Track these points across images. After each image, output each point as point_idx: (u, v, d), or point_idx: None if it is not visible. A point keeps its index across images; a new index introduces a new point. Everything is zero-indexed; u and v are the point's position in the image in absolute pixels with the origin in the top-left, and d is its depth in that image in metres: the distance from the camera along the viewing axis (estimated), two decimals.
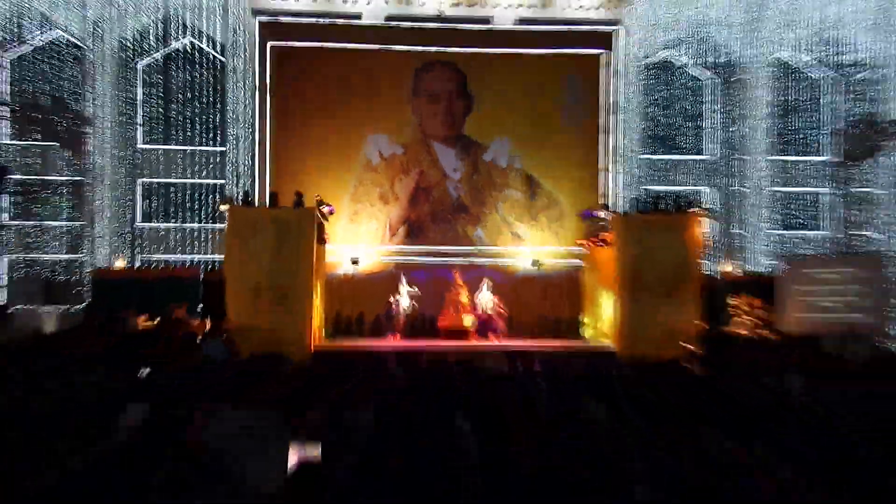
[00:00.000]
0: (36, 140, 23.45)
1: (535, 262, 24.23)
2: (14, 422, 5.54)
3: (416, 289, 22.56)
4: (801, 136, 26.89)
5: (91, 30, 24.54)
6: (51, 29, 24.78)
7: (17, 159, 23.84)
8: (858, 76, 26.51)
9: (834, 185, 24.37)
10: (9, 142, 24.69)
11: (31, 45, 24.73)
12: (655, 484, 4.14)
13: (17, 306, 22.85)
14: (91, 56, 24.58)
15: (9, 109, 19.92)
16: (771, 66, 25.89)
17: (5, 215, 24.24)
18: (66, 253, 24.07)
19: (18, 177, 22.80)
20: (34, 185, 23.80)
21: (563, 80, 26.02)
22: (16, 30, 24.46)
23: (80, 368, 9.44)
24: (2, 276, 24.79)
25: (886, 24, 25.54)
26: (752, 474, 4.22)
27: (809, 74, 26.80)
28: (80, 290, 22.74)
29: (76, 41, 24.89)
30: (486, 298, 22.28)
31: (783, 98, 26.73)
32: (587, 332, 23.66)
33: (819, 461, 4.84)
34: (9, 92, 24.11)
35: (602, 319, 22.55)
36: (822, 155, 26.56)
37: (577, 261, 24.86)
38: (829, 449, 5.13)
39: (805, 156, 26.82)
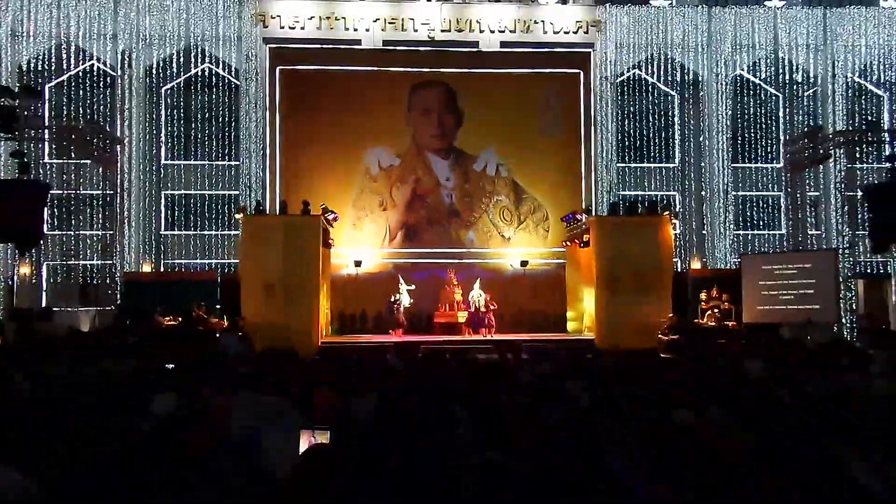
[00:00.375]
0: (72, 158, 23.58)
1: (523, 263, 24.29)
2: (57, 406, 5.57)
3: (413, 286, 22.65)
4: (758, 145, 27.09)
5: (120, 59, 24.64)
6: (86, 60, 24.92)
7: (56, 176, 24.02)
8: (805, 93, 26.80)
9: (787, 189, 24.53)
10: (48, 160, 24.90)
11: (69, 73, 24.91)
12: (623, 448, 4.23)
13: (56, 308, 22.94)
14: (121, 82, 24.68)
15: (48, 132, 20.09)
16: (730, 84, 26.04)
17: (46, 227, 24.39)
18: (99, 259, 24.13)
19: (57, 192, 22.90)
20: (71, 198, 23.96)
21: (544, 96, 26.12)
22: (55, 61, 24.67)
23: (113, 360, 9.51)
24: (43, 280, 24.91)
25: (825, 48, 25.90)
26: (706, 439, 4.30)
27: (764, 90, 26.98)
28: (111, 292, 22.80)
29: (108, 70, 25.01)
30: (478, 296, 22.34)
31: (741, 111, 26.91)
32: (571, 326, 23.74)
33: (763, 426, 4.97)
34: (48, 115, 24.24)
35: (584, 314, 22.66)
36: (776, 162, 26.73)
37: (561, 260, 24.94)
38: (774, 417, 5.23)
39: (761, 163, 27.04)
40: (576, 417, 5.67)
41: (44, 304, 23.68)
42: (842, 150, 23.44)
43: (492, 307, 22.07)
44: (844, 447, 4.64)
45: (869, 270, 26.39)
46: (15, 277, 23.99)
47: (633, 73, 26.45)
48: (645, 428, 4.53)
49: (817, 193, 25.84)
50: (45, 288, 24.99)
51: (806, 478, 3.63)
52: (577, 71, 26.25)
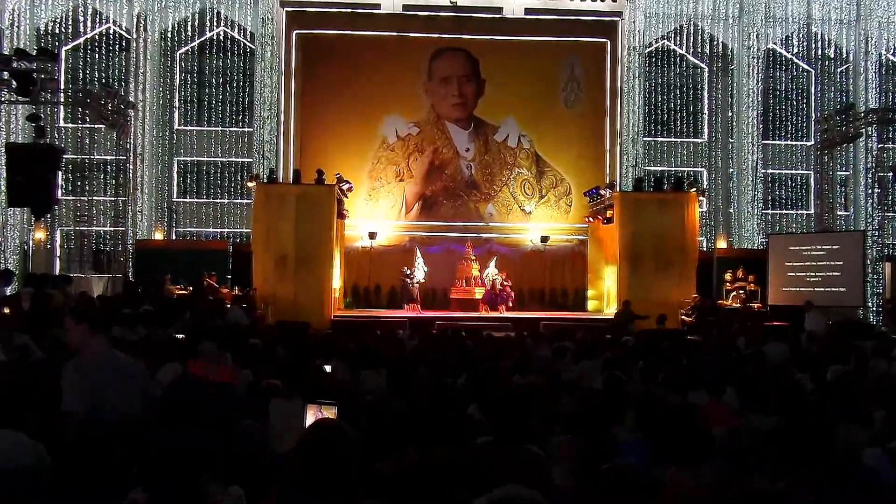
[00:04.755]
0: (86, 123, 23.79)
1: (544, 239, 24.28)
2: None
3: (423, 260, 22.63)
4: (788, 122, 26.85)
5: (136, 22, 24.74)
6: (102, 23, 25.09)
7: (70, 141, 24.23)
8: (838, 69, 26.52)
9: (816, 168, 24.34)
10: (63, 125, 25.11)
11: (85, 37, 25.12)
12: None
13: (70, 274, 23.24)
14: (136, 46, 24.81)
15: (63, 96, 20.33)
16: (761, 57, 25.78)
17: (60, 191, 24.65)
18: (111, 226, 24.36)
19: (70, 156, 23.13)
20: (84, 163, 24.21)
21: (569, 66, 25.96)
22: (71, 24, 24.87)
23: (123, 328, 9.67)
24: (56, 246, 25.24)
25: (858, 23, 25.63)
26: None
27: (796, 65, 26.73)
28: (123, 260, 23.06)
29: (123, 33, 25.14)
30: (493, 274, 22.35)
31: (772, 86, 26.67)
32: (592, 305, 23.77)
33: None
34: (63, 79, 24.44)
35: (605, 292, 22.67)
36: (807, 140, 26.50)
37: (583, 236, 24.92)
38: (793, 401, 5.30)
39: (791, 140, 26.82)
40: (589, 399, 5.76)
41: (57, 271, 23.97)
42: (873, 130, 23.19)
43: (507, 284, 22.06)
44: (859, 432, 4.70)
45: None
46: (30, 242, 24.32)
47: (662, 44, 26.23)
48: (657, 410, 4.60)
49: (847, 173, 25.63)
50: (58, 254, 25.28)
51: (818, 462, 3.69)
52: (604, 40, 26.05)
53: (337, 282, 21.11)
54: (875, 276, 22.72)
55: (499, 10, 25.70)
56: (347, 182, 21.19)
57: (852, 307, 20.73)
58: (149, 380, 5.11)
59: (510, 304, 21.91)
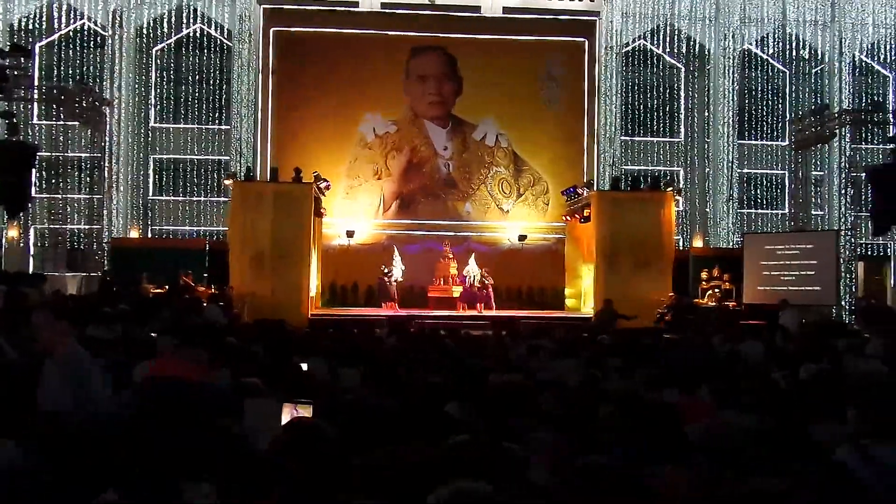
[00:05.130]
0: (60, 120, 23.55)
1: (522, 237, 24.32)
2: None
3: (401, 258, 22.61)
4: (763, 122, 27.09)
5: (111, 18, 24.52)
6: (77, 19, 24.85)
7: (44, 138, 23.98)
8: (812, 70, 26.82)
9: (791, 167, 24.58)
10: (37, 122, 24.79)
11: (60, 33, 24.89)
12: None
13: (44, 272, 23.03)
14: (111, 42, 24.59)
15: (37, 92, 20.12)
16: (737, 58, 25.97)
17: (34, 189, 24.40)
18: (86, 224, 24.15)
19: (44, 154, 22.90)
20: (59, 161, 23.97)
21: (547, 65, 26.03)
22: (45, 20, 24.61)
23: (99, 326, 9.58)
24: (30, 244, 25.01)
25: (833, 24, 25.95)
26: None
27: (772, 66, 26.99)
28: (98, 258, 22.86)
29: (99, 29, 24.91)
30: (475, 271, 22.37)
31: (748, 87, 26.89)
32: (570, 303, 23.85)
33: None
34: (38, 76, 24.17)
35: (583, 290, 22.76)
36: (782, 140, 26.75)
37: (561, 235, 25.00)
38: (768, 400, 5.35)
39: (767, 140, 27.07)
40: (565, 398, 5.77)
41: (31, 269, 23.73)
42: (846, 130, 23.45)
43: (488, 282, 22.08)
44: (832, 430, 4.75)
45: (869, 253, 26.56)
46: (3, 240, 24.04)
47: (639, 44, 26.36)
48: (632, 407, 4.62)
49: (821, 173, 25.91)
50: (32, 252, 25.03)
51: (794, 462, 3.72)
52: (582, 39, 26.14)
53: (315, 280, 21.05)
54: (848, 275, 22.96)
55: (477, 8, 25.72)
56: (325, 180, 21.12)
57: (826, 306, 20.96)
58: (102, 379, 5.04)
59: (489, 304, 21.91)
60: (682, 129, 27.10)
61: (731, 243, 24.76)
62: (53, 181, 24.54)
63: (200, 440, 3.64)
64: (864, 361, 8.57)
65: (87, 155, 24.09)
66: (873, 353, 9.41)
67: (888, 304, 24.88)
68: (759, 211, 27.02)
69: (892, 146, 18.24)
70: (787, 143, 25.80)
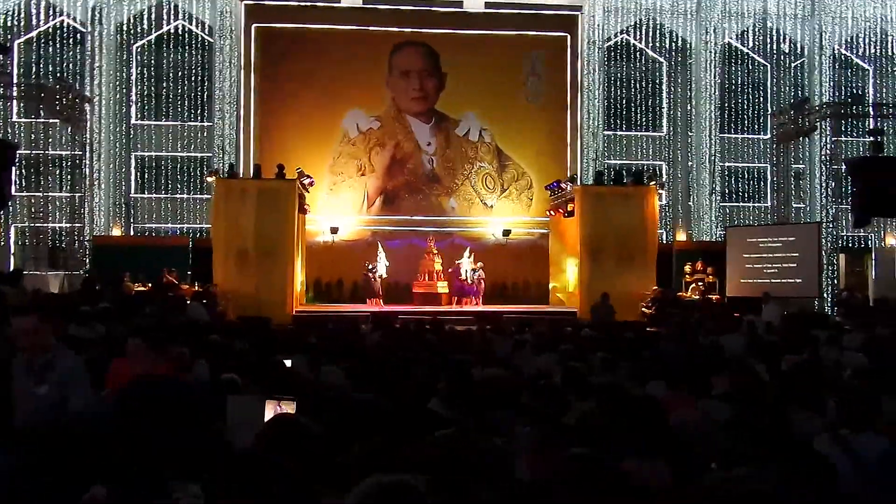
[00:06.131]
0: (40, 118, 23.36)
1: (506, 232, 24.36)
2: None
3: (385, 254, 22.60)
4: (745, 115, 27.33)
5: (91, 15, 24.32)
6: (56, 15, 24.66)
7: (24, 136, 23.76)
8: (793, 64, 27.04)
9: (773, 161, 24.70)
10: (16, 119, 24.58)
11: (38, 30, 24.68)
12: None
13: (25, 271, 22.84)
14: (91, 39, 24.40)
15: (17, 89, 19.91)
16: (718, 52, 26.10)
17: (14, 187, 24.19)
18: (67, 222, 23.98)
19: (24, 151, 22.72)
20: (39, 159, 23.76)
21: (530, 60, 26.04)
22: (24, 17, 24.39)
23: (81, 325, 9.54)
24: (10, 243, 24.84)
25: (812, 18, 26.11)
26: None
27: (753, 59, 27.18)
28: (80, 256, 22.71)
29: (78, 26, 24.71)
30: (468, 265, 22.39)
31: (729, 81, 27.08)
32: (554, 298, 23.91)
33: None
34: (17, 73, 23.96)
35: (567, 285, 22.83)
36: (763, 133, 26.90)
37: (545, 230, 25.04)
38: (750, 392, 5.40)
39: (749, 133, 27.25)
40: (547, 392, 5.80)
41: (12, 268, 23.53)
42: (827, 123, 23.62)
43: (482, 277, 22.17)
44: (812, 421, 4.80)
45: (850, 245, 26.78)
46: None
47: (621, 38, 26.44)
48: (614, 401, 4.65)
49: (802, 166, 26.08)
50: (12, 251, 24.83)
51: (773, 452, 3.75)
52: (564, 34, 26.14)
53: (299, 277, 21.02)
54: (830, 268, 23.13)
55: (459, 3, 25.71)
56: (308, 176, 21.05)
57: (809, 298, 21.13)
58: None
59: (478, 301, 21.95)
60: (665, 124, 27.24)
61: (714, 237, 24.91)
62: (34, 179, 24.31)
63: (182, 438, 3.64)
64: (843, 353, 8.66)
65: (68, 152, 23.90)
66: (851, 346, 9.52)
67: (869, 295, 25.08)
68: (742, 204, 27.19)
69: (871, 139, 18.39)
70: (768, 136, 25.95)
